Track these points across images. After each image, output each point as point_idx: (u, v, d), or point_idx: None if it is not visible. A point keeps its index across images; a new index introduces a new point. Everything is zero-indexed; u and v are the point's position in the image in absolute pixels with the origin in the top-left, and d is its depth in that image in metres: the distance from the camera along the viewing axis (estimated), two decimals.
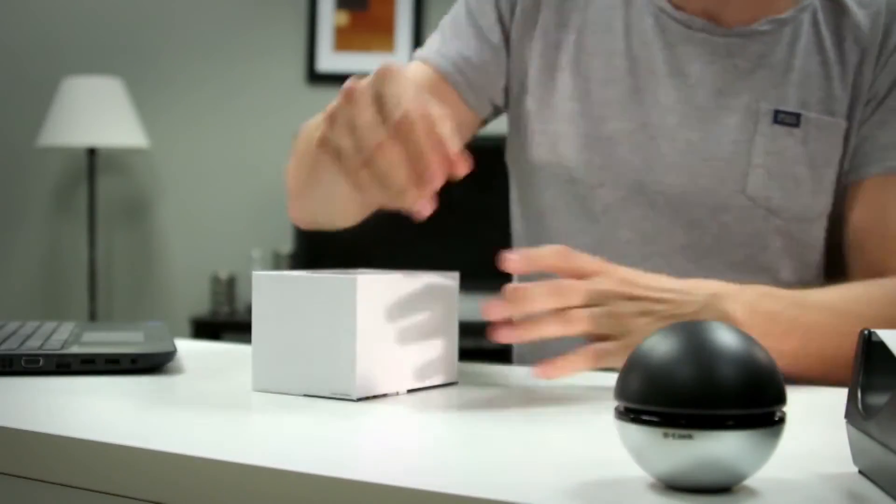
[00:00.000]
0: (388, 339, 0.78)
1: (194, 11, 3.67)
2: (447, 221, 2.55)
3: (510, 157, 1.17)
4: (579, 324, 0.80)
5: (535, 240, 1.12)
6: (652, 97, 1.05)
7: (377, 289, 0.77)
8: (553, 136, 1.08)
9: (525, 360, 1.17)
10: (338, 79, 3.61)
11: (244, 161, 3.65)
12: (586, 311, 0.81)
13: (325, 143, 0.76)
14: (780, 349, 0.85)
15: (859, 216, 1.02)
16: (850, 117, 1.03)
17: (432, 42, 1.12)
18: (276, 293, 0.79)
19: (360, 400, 0.76)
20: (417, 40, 3.61)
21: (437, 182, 0.72)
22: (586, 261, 0.83)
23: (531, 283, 0.79)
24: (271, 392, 0.79)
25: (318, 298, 0.77)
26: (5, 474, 0.65)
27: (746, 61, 1.04)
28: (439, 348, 0.83)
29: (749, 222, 1.03)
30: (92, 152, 3.45)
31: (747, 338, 0.50)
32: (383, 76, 0.73)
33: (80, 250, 3.65)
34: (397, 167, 0.71)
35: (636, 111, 1.05)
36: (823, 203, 1.03)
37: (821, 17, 1.04)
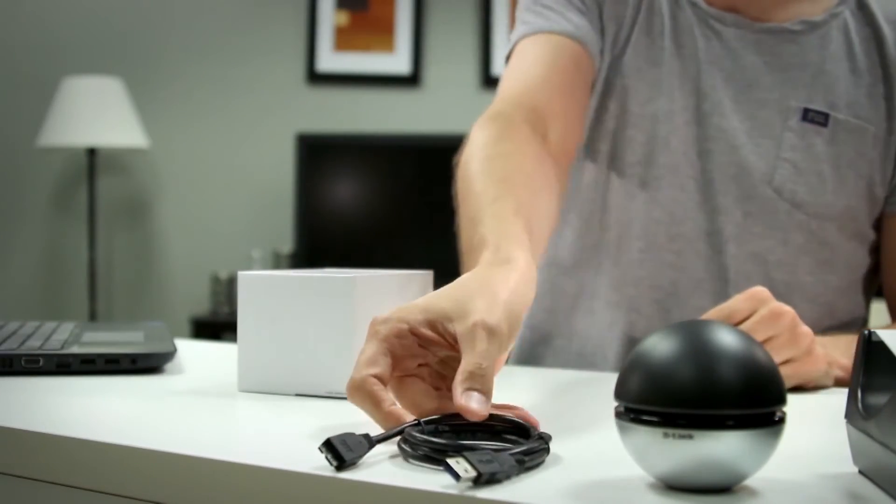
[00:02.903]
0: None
1: (194, 11, 3.67)
2: (447, 221, 2.53)
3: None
4: None
5: (568, 211, 1.10)
6: (692, 83, 1.06)
7: (371, 287, 0.77)
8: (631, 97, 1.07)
9: (526, 361, 1.17)
10: (338, 79, 3.61)
11: (244, 161, 3.65)
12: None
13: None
14: None
15: (892, 252, 1.05)
16: (889, 130, 1.04)
17: (528, 20, 1.06)
18: (264, 293, 0.78)
19: None
20: (417, 40, 3.61)
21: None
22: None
23: None
24: (259, 392, 0.79)
25: (313, 298, 0.76)
26: (5, 474, 0.65)
27: (777, 58, 1.05)
28: None
29: (772, 214, 1.04)
30: (92, 152, 3.44)
31: (747, 338, 0.50)
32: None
33: (80, 250, 3.65)
34: None
35: (680, 93, 1.06)
36: (844, 204, 1.04)
37: (851, 25, 1.05)
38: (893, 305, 1.07)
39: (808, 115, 1.03)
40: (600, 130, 1.08)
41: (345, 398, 0.75)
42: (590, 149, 1.09)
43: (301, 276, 0.78)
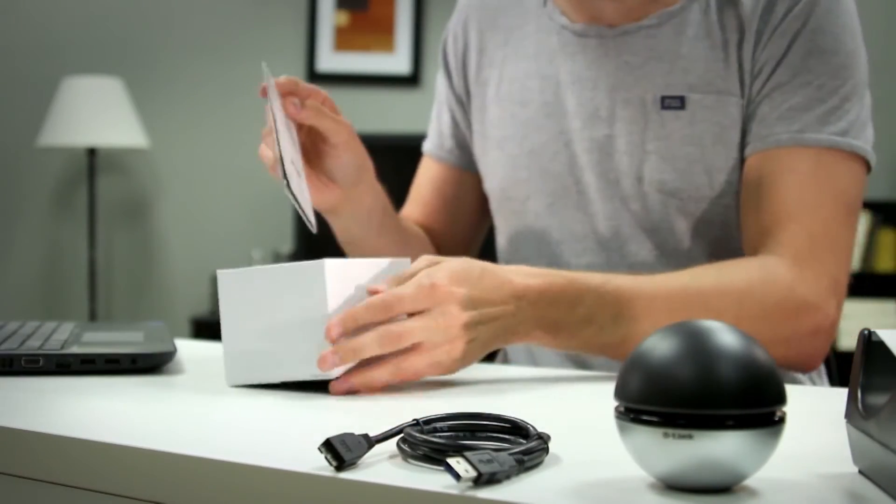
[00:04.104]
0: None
1: (194, 11, 3.67)
2: None
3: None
4: (408, 372, 0.80)
5: (504, 256, 1.20)
6: (560, 108, 1.11)
7: (345, 271, 0.80)
8: (489, 166, 1.18)
9: (513, 360, 1.18)
10: (338, 79, 3.61)
11: (244, 161, 3.65)
12: (407, 324, 0.80)
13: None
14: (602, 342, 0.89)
15: (743, 194, 1.04)
16: (742, 94, 1.04)
17: (429, 131, 1.28)
18: (244, 288, 0.81)
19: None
20: (417, 40, 3.61)
21: None
22: (409, 301, 0.81)
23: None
24: (246, 385, 0.81)
25: (288, 286, 0.79)
26: (5, 474, 0.65)
27: (635, 56, 1.07)
28: None
29: (654, 208, 1.06)
30: (92, 152, 3.45)
31: (747, 338, 0.50)
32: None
33: (80, 250, 3.65)
34: None
35: (549, 123, 1.12)
36: (721, 181, 1.04)
37: (713, 4, 1.06)
38: (745, 247, 1.03)
39: (665, 103, 1.05)
40: (493, 178, 1.18)
41: (329, 380, 0.78)
42: (492, 197, 1.19)
43: (273, 267, 0.80)
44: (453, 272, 0.82)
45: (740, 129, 1.04)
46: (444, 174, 1.25)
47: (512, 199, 1.15)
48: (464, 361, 0.83)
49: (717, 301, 0.92)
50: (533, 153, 1.12)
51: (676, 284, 0.93)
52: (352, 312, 0.79)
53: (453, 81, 1.23)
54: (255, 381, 0.81)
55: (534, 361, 1.14)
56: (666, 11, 1.06)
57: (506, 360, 1.21)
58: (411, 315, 0.80)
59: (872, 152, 1.01)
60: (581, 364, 1.10)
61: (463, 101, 1.22)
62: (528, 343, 0.90)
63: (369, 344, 0.78)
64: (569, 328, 0.87)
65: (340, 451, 0.53)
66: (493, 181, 1.17)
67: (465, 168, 1.23)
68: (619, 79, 1.07)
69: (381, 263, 0.85)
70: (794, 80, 1.01)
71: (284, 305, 0.79)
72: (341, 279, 0.79)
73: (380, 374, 0.79)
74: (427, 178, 1.26)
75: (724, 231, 1.06)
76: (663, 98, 1.05)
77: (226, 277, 0.82)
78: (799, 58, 1.01)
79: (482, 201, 1.23)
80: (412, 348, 0.80)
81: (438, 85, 1.26)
